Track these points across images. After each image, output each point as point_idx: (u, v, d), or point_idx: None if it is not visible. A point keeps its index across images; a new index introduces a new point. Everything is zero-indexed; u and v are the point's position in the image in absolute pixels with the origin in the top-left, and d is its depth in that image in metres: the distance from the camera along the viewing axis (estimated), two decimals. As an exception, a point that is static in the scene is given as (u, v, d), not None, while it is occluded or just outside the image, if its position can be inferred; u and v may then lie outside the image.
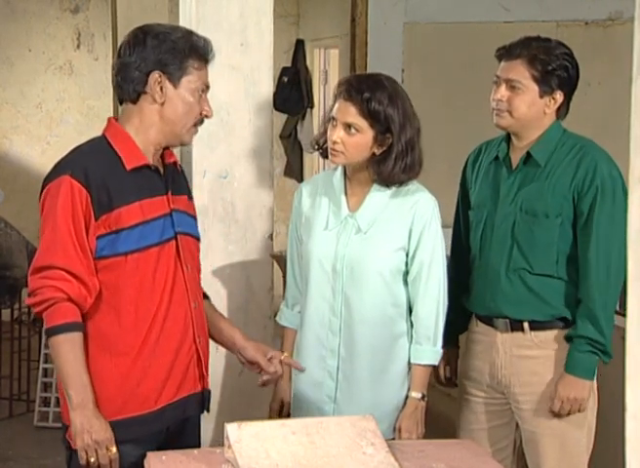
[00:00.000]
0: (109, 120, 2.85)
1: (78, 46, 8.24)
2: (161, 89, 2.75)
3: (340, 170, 3.12)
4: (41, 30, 8.17)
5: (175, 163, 2.90)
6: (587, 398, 3.10)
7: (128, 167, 2.74)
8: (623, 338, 1.65)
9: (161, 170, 2.84)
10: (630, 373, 1.60)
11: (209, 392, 2.92)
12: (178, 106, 2.76)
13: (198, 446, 2.92)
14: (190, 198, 2.97)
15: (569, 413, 3.11)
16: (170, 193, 2.82)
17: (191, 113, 2.78)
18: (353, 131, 2.97)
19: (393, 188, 3.05)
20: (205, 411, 2.94)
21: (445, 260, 3.08)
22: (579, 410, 3.11)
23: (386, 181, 3.02)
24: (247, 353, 2.96)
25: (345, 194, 3.09)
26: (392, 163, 2.99)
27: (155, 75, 2.74)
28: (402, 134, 2.98)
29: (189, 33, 2.80)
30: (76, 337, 2.65)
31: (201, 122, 2.83)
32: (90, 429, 2.64)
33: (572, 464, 3.19)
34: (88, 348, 2.69)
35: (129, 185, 2.73)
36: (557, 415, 3.13)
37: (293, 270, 3.21)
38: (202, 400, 2.89)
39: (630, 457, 1.61)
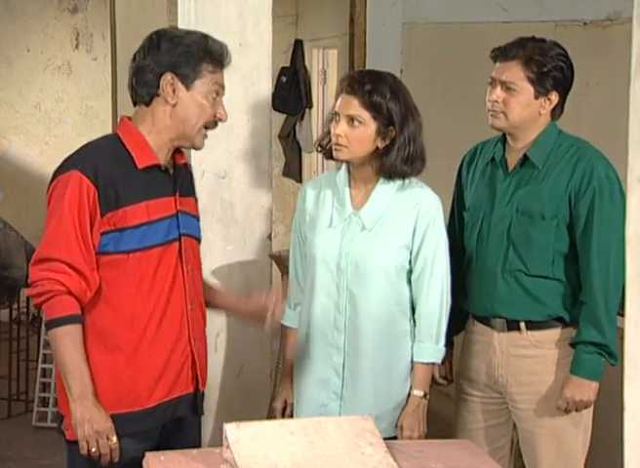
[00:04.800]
0: (122, 119, 2.88)
1: (77, 46, 8.24)
2: (173, 91, 2.78)
3: (343, 168, 3.14)
4: (39, 30, 8.16)
5: (185, 164, 2.92)
6: (594, 399, 3.10)
7: (139, 166, 2.77)
8: (622, 339, 1.66)
9: (171, 171, 2.86)
10: (629, 373, 1.61)
11: (202, 394, 2.92)
12: (189, 108, 2.79)
13: (198, 446, 2.92)
14: (196, 199, 2.99)
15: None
16: (178, 194, 2.84)
17: (203, 116, 2.80)
18: (356, 123, 2.99)
19: (397, 184, 3.06)
20: (199, 413, 2.94)
21: (448, 259, 3.09)
22: (584, 407, 3.11)
23: (389, 173, 3.04)
24: (240, 311, 3.04)
25: (349, 192, 3.10)
26: (395, 154, 3.01)
27: (167, 77, 2.77)
28: (404, 126, 3.01)
29: (205, 37, 2.83)
30: (76, 330, 2.68)
31: (214, 125, 2.85)
32: (90, 419, 2.65)
33: (568, 463, 3.19)
34: (85, 343, 2.71)
35: (137, 184, 2.76)
36: (556, 415, 3.13)
37: (295, 270, 3.22)
38: (195, 401, 2.89)
39: (629, 457, 1.61)
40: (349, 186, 3.11)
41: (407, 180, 3.07)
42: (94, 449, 2.66)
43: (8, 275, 5.65)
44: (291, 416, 3.16)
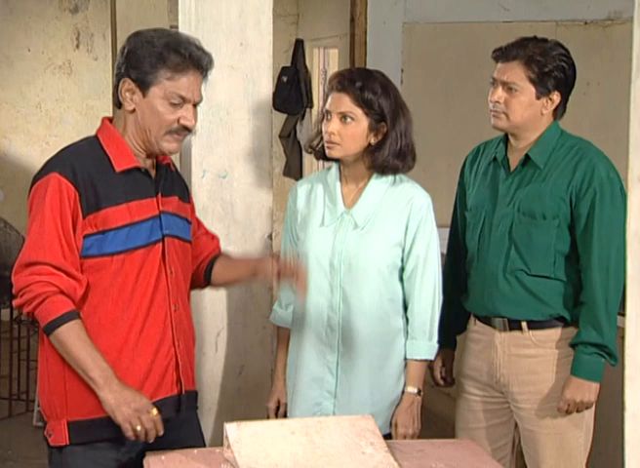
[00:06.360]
0: (103, 120, 2.87)
1: (77, 46, 8.24)
2: (131, 96, 2.76)
3: (334, 167, 3.16)
4: (40, 30, 8.17)
5: (169, 164, 2.90)
6: (594, 400, 3.10)
7: (117, 169, 2.76)
8: (623, 338, 1.66)
9: (153, 172, 2.84)
10: (629, 373, 1.60)
11: (187, 396, 2.87)
12: (145, 115, 2.75)
13: (194, 445, 2.91)
14: (184, 199, 2.95)
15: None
16: (160, 195, 2.82)
17: (163, 122, 2.74)
18: (349, 120, 3.02)
19: (388, 182, 3.09)
20: (181, 413, 2.87)
21: (440, 256, 3.11)
22: (586, 408, 3.12)
23: (382, 168, 3.06)
24: (256, 273, 2.98)
25: (341, 191, 3.11)
26: (387, 149, 3.03)
27: (125, 82, 2.76)
28: (396, 122, 3.04)
29: (175, 42, 2.75)
30: (78, 324, 2.65)
31: (183, 130, 2.77)
32: (125, 400, 2.63)
33: (570, 463, 3.19)
34: None
35: (117, 187, 2.74)
36: (558, 414, 3.13)
37: None
38: (179, 403, 2.85)
39: (629, 457, 1.61)
40: (341, 185, 3.12)
41: (397, 178, 3.10)
42: (139, 428, 2.64)
43: (9, 275, 5.64)
44: (284, 416, 3.16)
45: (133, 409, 2.63)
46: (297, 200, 3.19)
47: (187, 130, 2.78)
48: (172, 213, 2.85)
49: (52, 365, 2.73)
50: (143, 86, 2.74)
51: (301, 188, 3.21)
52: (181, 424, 2.88)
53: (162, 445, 2.73)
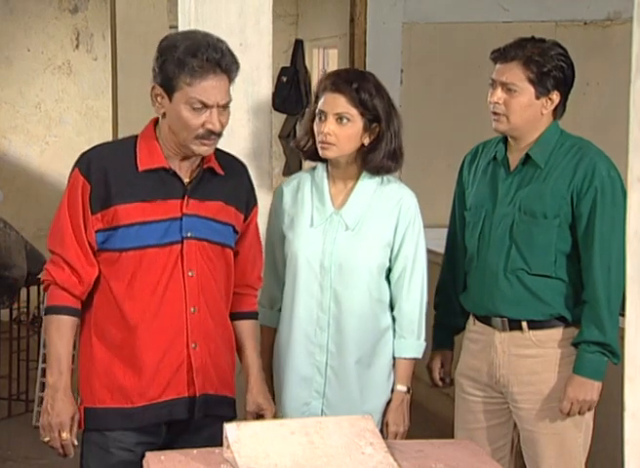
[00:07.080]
0: (150, 121, 2.89)
1: (77, 46, 8.24)
2: (160, 102, 2.79)
3: (320, 167, 3.16)
4: (40, 30, 8.17)
5: (212, 168, 2.86)
6: (597, 399, 3.10)
7: (140, 168, 2.79)
8: (622, 338, 1.66)
9: (187, 174, 2.83)
10: (629, 373, 1.61)
11: (203, 399, 2.86)
12: (173, 119, 2.78)
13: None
14: (238, 208, 2.91)
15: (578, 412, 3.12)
16: (187, 198, 2.81)
17: (189, 127, 2.75)
18: (345, 121, 3.03)
19: (376, 182, 3.10)
20: (194, 417, 2.87)
21: (426, 255, 3.14)
22: (588, 409, 3.11)
23: (376, 168, 3.08)
24: (247, 398, 3.01)
25: (329, 191, 3.12)
26: (382, 150, 3.06)
27: (155, 88, 2.80)
28: (390, 122, 3.07)
29: (194, 46, 2.74)
30: (62, 320, 2.79)
31: (210, 134, 2.76)
32: (50, 411, 2.75)
33: (570, 463, 3.19)
34: (90, 334, 2.83)
35: (135, 185, 2.78)
36: (557, 415, 3.13)
37: (272, 270, 3.21)
38: (192, 405, 2.85)
39: (629, 457, 1.61)
40: (329, 185, 3.13)
41: (385, 178, 3.11)
42: (46, 439, 2.76)
43: (8, 275, 5.65)
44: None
45: (47, 422, 2.75)
46: (282, 200, 3.18)
47: (214, 133, 2.77)
48: (203, 216, 2.84)
49: (81, 352, 2.87)
50: (169, 91, 2.77)
51: (287, 188, 3.20)
52: (201, 428, 2.89)
53: (177, 445, 2.77)
